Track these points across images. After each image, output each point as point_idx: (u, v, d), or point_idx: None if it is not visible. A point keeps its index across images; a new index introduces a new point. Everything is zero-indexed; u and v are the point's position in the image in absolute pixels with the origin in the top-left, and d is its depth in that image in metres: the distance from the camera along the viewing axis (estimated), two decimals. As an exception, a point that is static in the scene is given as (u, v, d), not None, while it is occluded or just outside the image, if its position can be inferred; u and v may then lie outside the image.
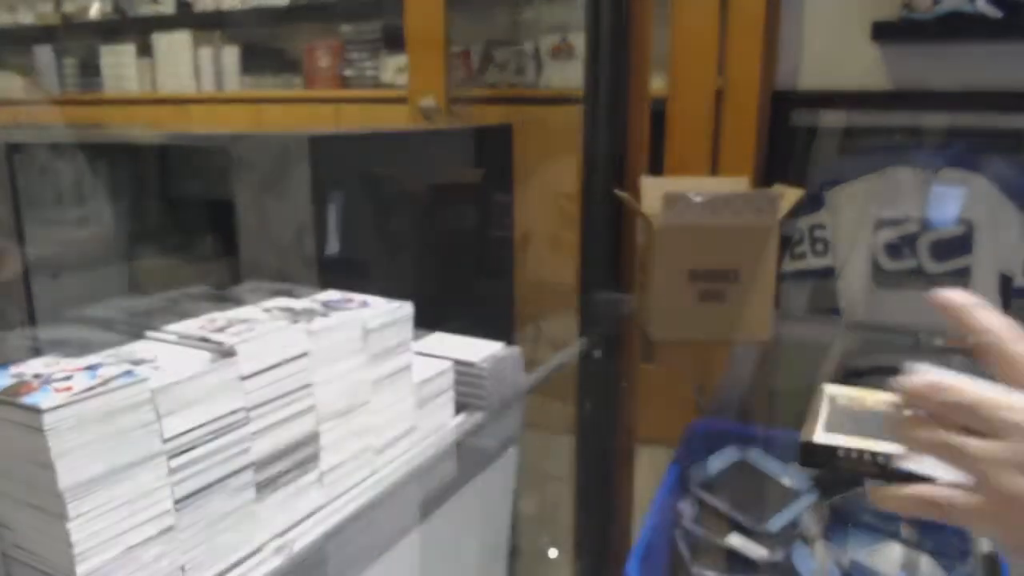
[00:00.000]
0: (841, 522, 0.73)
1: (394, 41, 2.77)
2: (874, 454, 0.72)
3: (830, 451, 0.77)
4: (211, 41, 3.19)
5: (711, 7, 1.66)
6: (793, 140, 1.77)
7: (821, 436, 0.79)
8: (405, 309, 0.74)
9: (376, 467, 0.73)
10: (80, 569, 0.48)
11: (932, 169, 1.62)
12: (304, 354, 0.63)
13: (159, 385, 0.51)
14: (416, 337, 0.77)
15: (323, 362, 0.65)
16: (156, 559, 0.52)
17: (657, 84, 1.78)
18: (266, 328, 0.61)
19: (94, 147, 1.39)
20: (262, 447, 0.60)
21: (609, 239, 1.64)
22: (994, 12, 1.48)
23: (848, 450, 0.76)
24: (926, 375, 0.52)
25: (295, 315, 0.66)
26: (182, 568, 0.55)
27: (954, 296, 0.52)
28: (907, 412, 0.53)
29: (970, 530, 0.56)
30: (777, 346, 1.21)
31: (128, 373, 0.51)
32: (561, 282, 2.15)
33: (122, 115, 3.30)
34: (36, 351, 0.62)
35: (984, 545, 0.67)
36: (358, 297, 0.74)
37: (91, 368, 0.51)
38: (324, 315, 0.66)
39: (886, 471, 0.69)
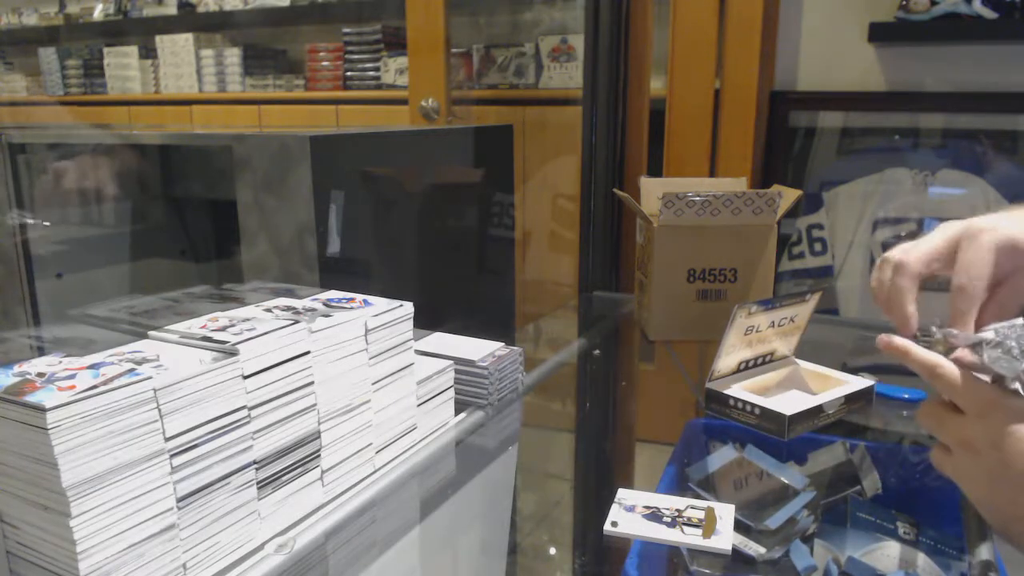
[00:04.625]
0: (839, 520, 0.73)
1: (395, 42, 2.78)
2: (754, 405, 0.85)
3: (724, 399, 0.88)
4: (213, 42, 3.20)
5: (710, 8, 1.66)
6: (791, 140, 1.78)
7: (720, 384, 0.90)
8: (406, 308, 0.74)
9: (377, 466, 0.74)
10: (83, 566, 0.48)
11: (929, 170, 1.62)
12: (306, 353, 0.63)
13: (161, 384, 0.52)
14: (417, 336, 0.78)
15: (324, 361, 0.65)
16: (158, 556, 0.53)
17: (656, 84, 1.79)
18: (268, 327, 0.61)
19: (97, 147, 1.40)
20: (264, 446, 0.60)
21: (609, 239, 1.65)
22: (990, 13, 1.49)
23: (737, 400, 0.87)
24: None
25: (297, 314, 0.66)
26: (184, 566, 0.55)
27: (896, 341, 0.65)
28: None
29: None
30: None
31: (131, 372, 0.52)
32: (561, 282, 2.15)
33: (125, 116, 3.31)
34: (39, 350, 0.62)
35: (982, 546, 0.68)
36: (359, 296, 0.74)
37: (94, 367, 0.52)
38: (326, 314, 0.67)
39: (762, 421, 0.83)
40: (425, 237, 1.29)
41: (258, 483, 0.60)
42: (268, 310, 0.67)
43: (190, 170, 1.49)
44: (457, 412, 0.87)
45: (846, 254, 1.70)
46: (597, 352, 1.29)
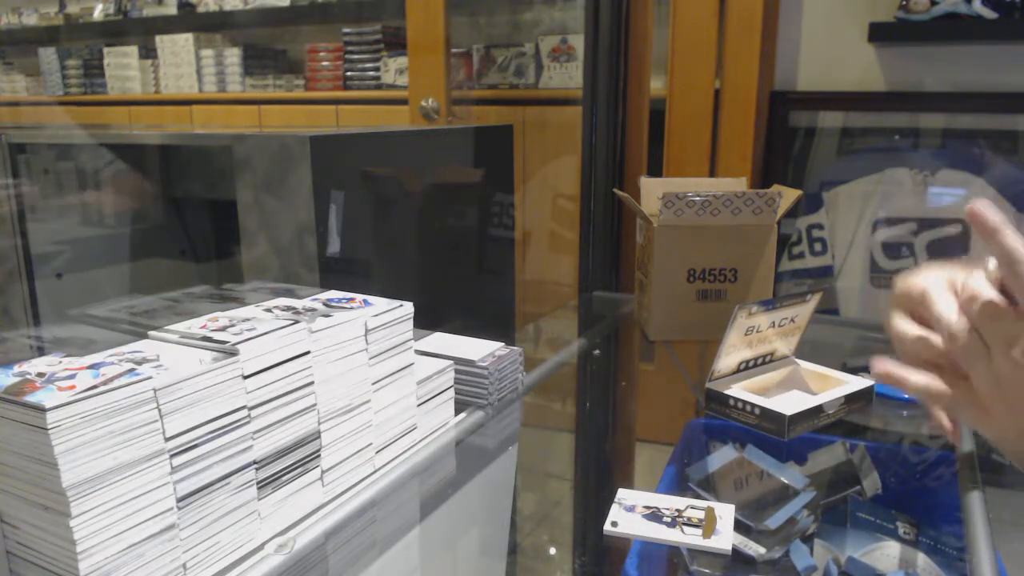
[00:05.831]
0: (839, 520, 0.73)
1: (395, 42, 2.78)
2: (754, 406, 0.86)
3: (724, 399, 0.89)
4: (213, 42, 3.20)
5: (710, 8, 1.66)
6: (791, 140, 1.78)
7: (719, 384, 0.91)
8: (406, 308, 0.74)
9: (377, 466, 0.74)
10: (82, 566, 0.48)
11: (929, 170, 1.62)
12: (306, 353, 0.63)
13: (161, 384, 0.52)
14: (417, 336, 0.78)
15: (324, 361, 0.65)
16: (158, 556, 0.53)
17: (656, 84, 1.79)
18: (268, 327, 0.61)
19: (97, 147, 1.40)
20: (264, 446, 0.60)
21: (609, 239, 1.65)
22: (990, 13, 1.49)
23: (737, 400, 0.88)
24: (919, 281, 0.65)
25: (297, 314, 0.66)
26: (184, 566, 0.55)
27: (989, 214, 0.54)
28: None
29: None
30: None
31: (131, 372, 0.52)
32: (561, 282, 2.15)
33: (125, 116, 3.31)
34: (39, 350, 0.62)
35: (982, 546, 0.68)
36: (359, 296, 0.74)
37: (94, 367, 0.52)
38: (326, 314, 0.67)
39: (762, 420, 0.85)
40: (425, 237, 1.29)
41: (258, 483, 0.60)
42: (268, 310, 0.67)
43: (190, 170, 1.49)
44: (457, 412, 0.87)
45: (846, 254, 1.70)
46: (597, 352, 1.29)
